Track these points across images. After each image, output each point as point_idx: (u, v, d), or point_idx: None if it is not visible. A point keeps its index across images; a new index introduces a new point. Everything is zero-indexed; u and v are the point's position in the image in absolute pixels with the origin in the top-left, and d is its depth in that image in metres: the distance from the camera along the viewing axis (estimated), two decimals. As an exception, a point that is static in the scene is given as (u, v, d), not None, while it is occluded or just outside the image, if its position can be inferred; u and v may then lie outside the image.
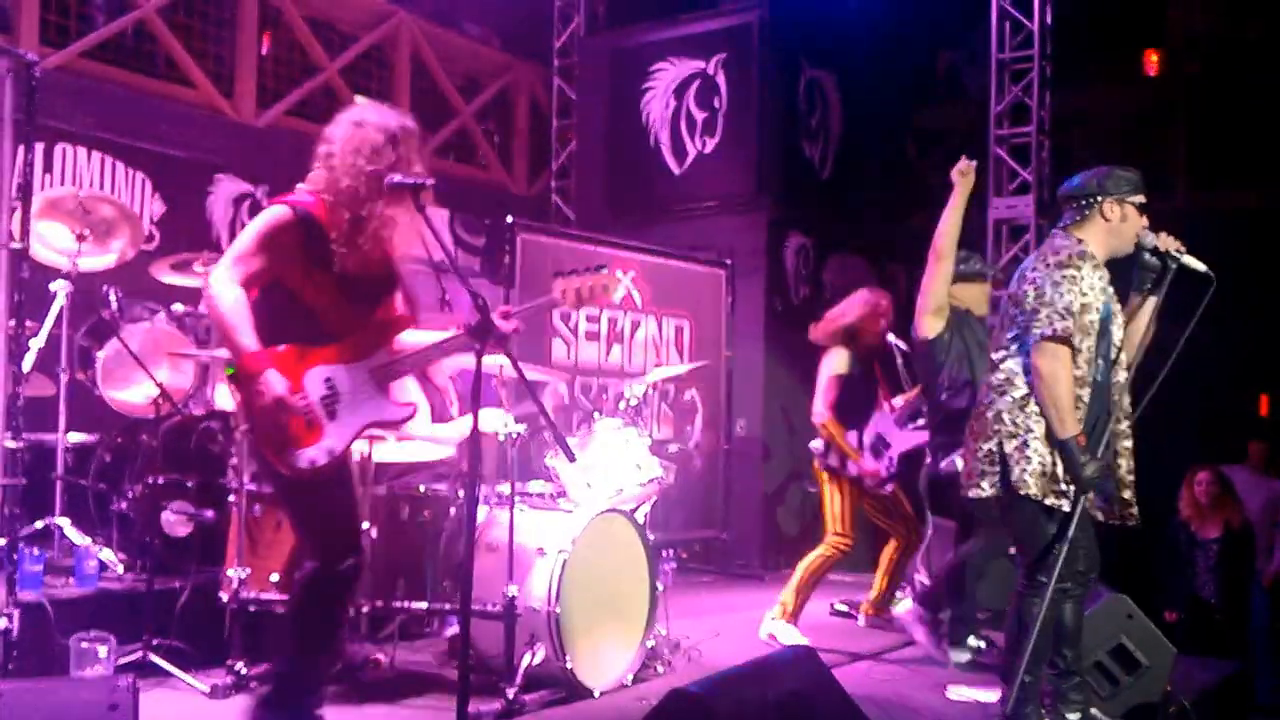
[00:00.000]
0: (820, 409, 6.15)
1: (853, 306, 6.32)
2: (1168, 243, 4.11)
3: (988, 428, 4.17)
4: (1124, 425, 4.18)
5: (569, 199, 10.39)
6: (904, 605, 5.90)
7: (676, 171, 9.81)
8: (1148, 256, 4.15)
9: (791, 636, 5.94)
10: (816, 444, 6.18)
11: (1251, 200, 9.45)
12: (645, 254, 8.64)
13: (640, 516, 5.41)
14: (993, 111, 8.62)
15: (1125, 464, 4.21)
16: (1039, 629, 4.08)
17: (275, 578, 4.70)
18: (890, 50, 10.60)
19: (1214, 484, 7.79)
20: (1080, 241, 4.13)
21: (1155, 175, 9.01)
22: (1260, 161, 9.44)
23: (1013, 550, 5.28)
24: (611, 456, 5.37)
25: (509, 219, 7.79)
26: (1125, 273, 4.20)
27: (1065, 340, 4.01)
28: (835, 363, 6.19)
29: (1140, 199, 4.16)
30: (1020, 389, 4.11)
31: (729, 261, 9.14)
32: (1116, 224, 4.14)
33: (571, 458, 3.99)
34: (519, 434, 5.04)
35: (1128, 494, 4.18)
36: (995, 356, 4.26)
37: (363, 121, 3.66)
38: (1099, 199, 4.15)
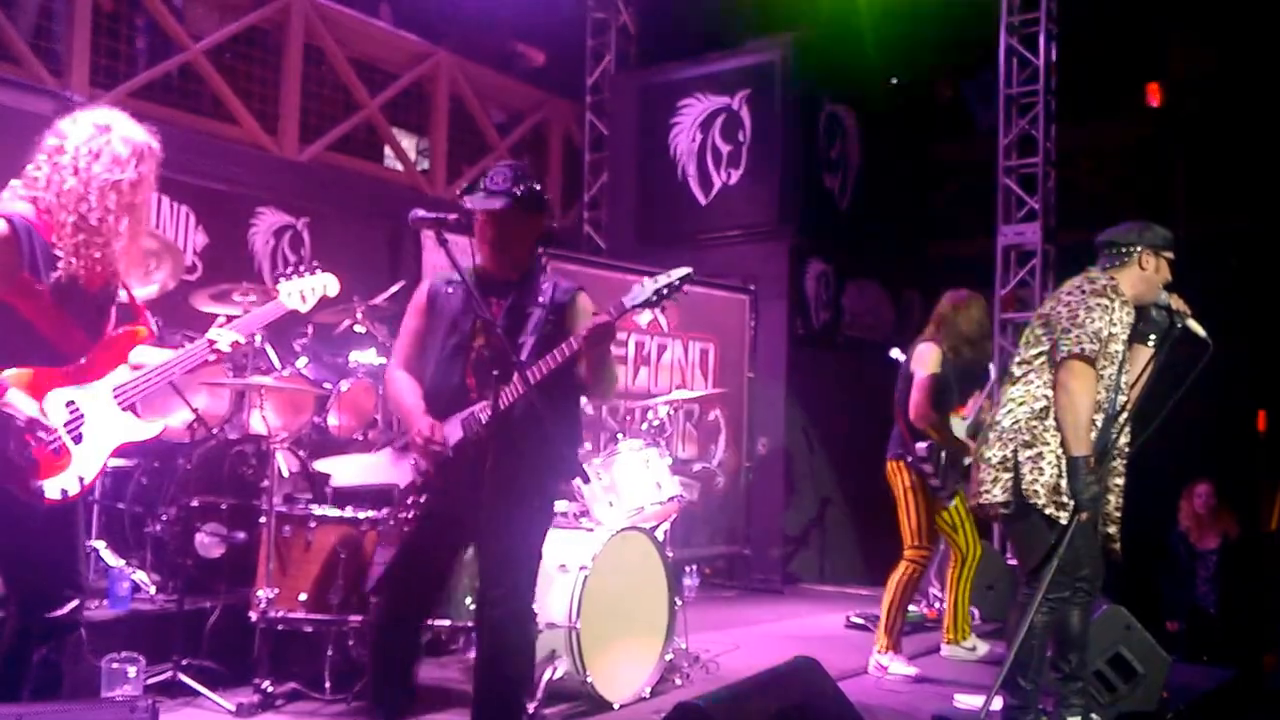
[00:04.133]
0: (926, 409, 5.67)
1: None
2: (1178, 303, 4.19)
3: (1004, 435, 4.17)
4: (1119, 463, 4.20)
5: (600, 229, 10.38)
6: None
7: (703, 202, 9.81)
8: (1155, 313, 4.23)
9: (901, 668, 5.63)
10: (920, 445, 5.72)
11: (1246, 224, 9.37)
12: (671, 281, 8.60)
13: (660, 534, 5.35)
14: (1001, 143, 8.53)
15: (1114, 500, 4.24)
16: (1039, 636, 4.11)
17: (303, 597, 4.67)
18: (906, 85, 10.57)
19: (1212, 496, 7.75)
20: (1113, 281, 4.18)
21: (1156, 204, 9.23)
22: (1257, 189, 9.33)
23: (1011, 561, 5.29)
24: (633, 476, 5.33)
25: (540, 249, 7.80)
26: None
27: (1091, 362, 4.04)
28: (930, 361, 5.74)
29: (1171, 255, 4.23)
30: (1041, 402, 4.12)
31: (752, 287, 9.16)
32: (1150, 274, 4.20)
33: (586, 479, 3.99)
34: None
35: (1113, 529, 4.21)
36: (1017, 371, 4.26)
37: (109, 127, 3.28)
38: (1139, 248, 4.21)
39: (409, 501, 3.66)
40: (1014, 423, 4.15)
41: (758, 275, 9.22)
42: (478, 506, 3.49)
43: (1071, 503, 4.01)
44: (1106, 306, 4.07)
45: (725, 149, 9.72)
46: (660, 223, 9.96)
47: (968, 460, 5.57)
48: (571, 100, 10.54)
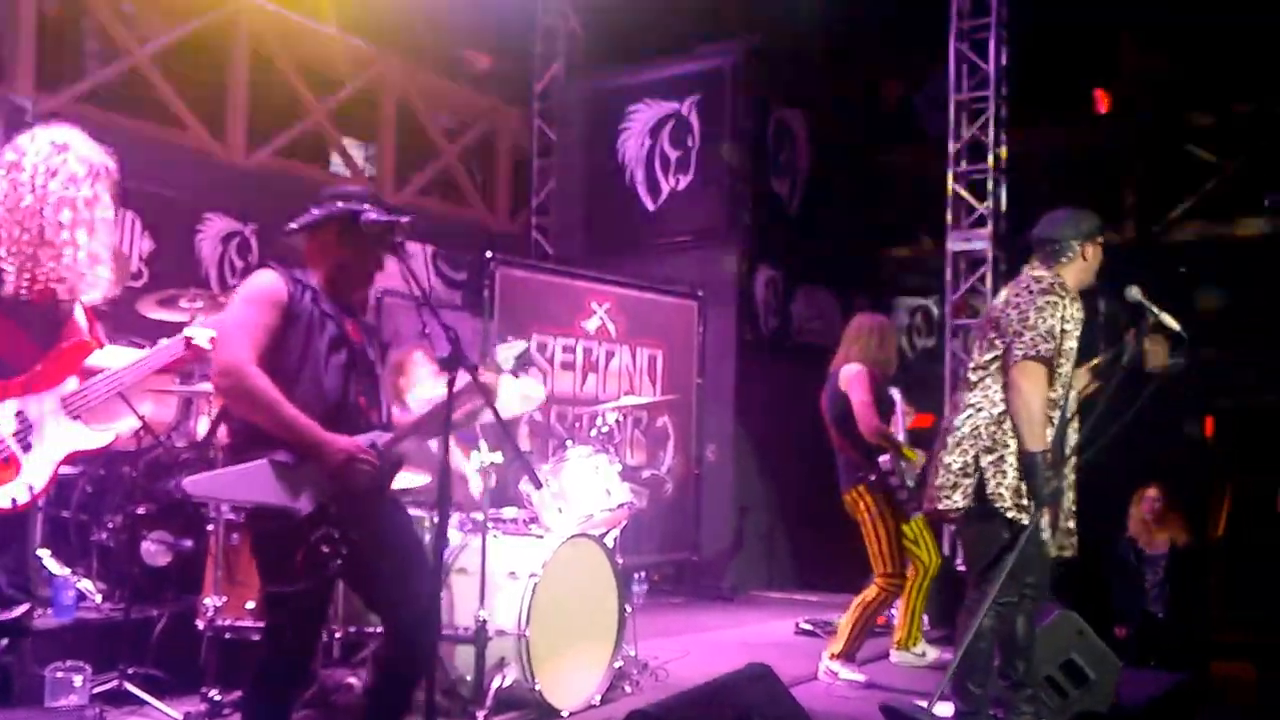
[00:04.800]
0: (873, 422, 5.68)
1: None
2: (1135, 294, 4.13)
3: (964, 441, 4.18)
4: (1072, 460, 4.21)
5: (548, 234, 10.34)
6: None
7: (651, 208, 9.79)
8: (1103, 306, 4.37)
9: (850, 674, 5.62)
10: (885, 458, 5.66)
11: (1196, 231, 9.54)
12: (620, 286, 8.62)
13: (610, 540, 5.33)
14: (951, 149, 8.55)
15: (1071, 496, 4.26)
16: (987, 641, 4.13)
17: (251, 605, 4.60)
18: (855, 91, 10.61)
19: (1160, 501, 7.80)
20: (1059, 277, 4.21)
21: (1107, 210, 9.15)
22: (1204, 195, 9.48)
23: (960, 567, 5.31)
24: (582, 483, 5.31)
25: (489, 254, 7.74)
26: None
27: (1046, 361, 4.05)
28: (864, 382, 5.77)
29: (1102, 238, 4.30)
30: (999, 406, 4.13)
31: (701, 293, 9.14)
32: (1091, 263, 4.26)
33: (538, 485, 3.96)
34: (494, 462, 4.97)
35: (1071, 524, 4.24)
36: (973, 376, 4.26)
37: (67, 146, 3.37)
38: (1078, 242, 4.24)
39: (323, 532, 3.18)
40: (974, 429, 4.17)
41: (706, 281, 9.21)
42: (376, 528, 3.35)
43: (1030, 503, 4.02)
44: (1056, 304, 4.09)
45: (674, 155, 9.72)
46: (609, 228, 9.95)
47: (917, 466, 5.66)
48: (520, 106, 10.48)
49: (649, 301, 8.74)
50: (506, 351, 3.81)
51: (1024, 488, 4.04)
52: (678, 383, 8.80)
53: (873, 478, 5.67)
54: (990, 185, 8.49)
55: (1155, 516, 7.74)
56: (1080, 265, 4.25)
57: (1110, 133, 10.33)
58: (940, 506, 4.25)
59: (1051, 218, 4.36)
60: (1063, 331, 4.09)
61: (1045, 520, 4.04)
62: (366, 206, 3.35)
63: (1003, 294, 4.34)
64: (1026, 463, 4.02)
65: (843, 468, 5.82)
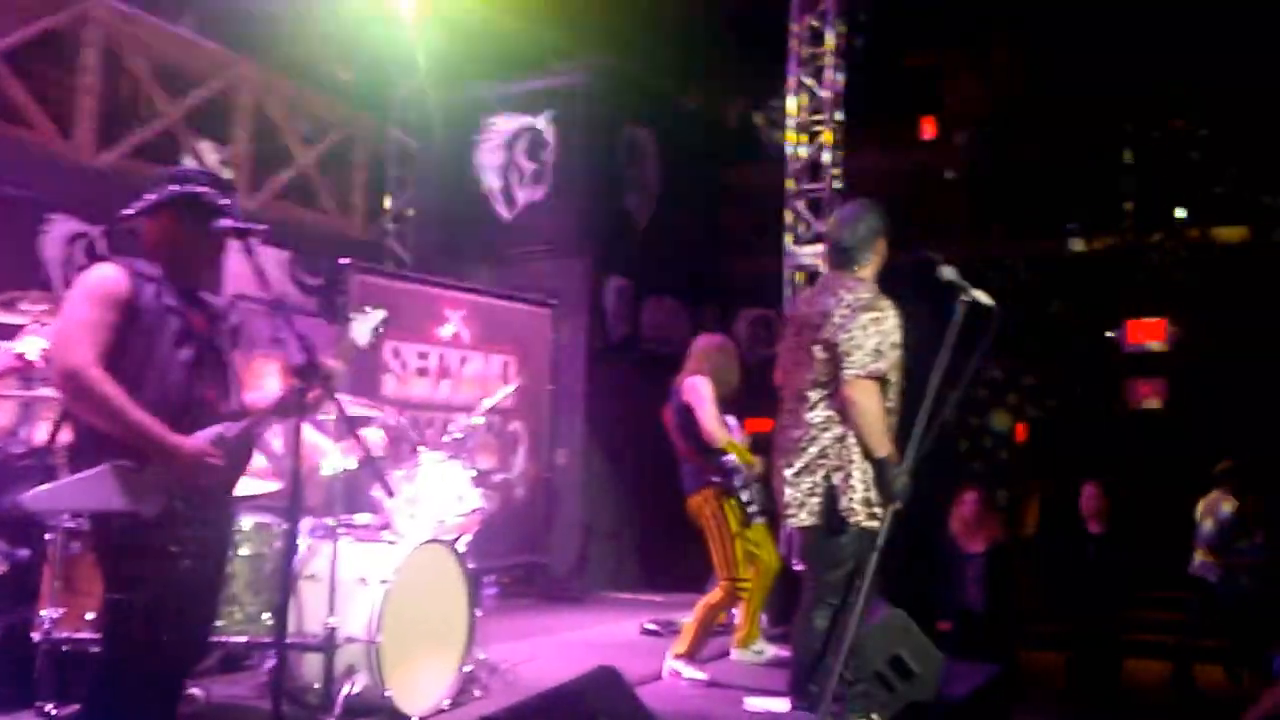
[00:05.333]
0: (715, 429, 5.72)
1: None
2: (949, 274, 4.12)
3: (811, 462, 4.19)
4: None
5: (404, 242, 10.14)
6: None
7: (506, 218, 9.74)
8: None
9: (693, 673, 5.62)
10: (728, 458, 5.69)
11: (1021, 250, 9.88)
12: (475, 294, 8.50)
13: (462, 546, 5.24)
14: (790, 169, 8.64)
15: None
16: (821, 641, 4.19)
17: (90, 616, 4.36)
18: (703, 111, 10.72)
19: (978, 503, 8.02)
20: (864, 281, 4.24)
21: (935, 228, 9.55)
22: (1027, 217, 9.87)
23: (797, 567, 5.42)
24: (435, 489, 5.21)
25: (345, 260, 7.54)
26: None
27: (877, 377, 4.08)
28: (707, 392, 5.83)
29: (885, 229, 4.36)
30: (839, 427, 4.15)
31: (554, 302, 9.08)
32: (884, 256, 4.34)
33: (390, 493, 3.85)
34: (346, 469, 4.84)
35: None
36: (813, 394, 4.24)
37: None
38: (873, 241, 4.29)
39: (171, 532, 3.06)
40: (820, 449, 4.19)
41: (559, 290, 9.17)
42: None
43: (881, 509, 4.09)
44: (879, 318, 4.12)
45: (529, 167, 9.70)
46: (465, 238, 9.85)
47: (757, 471, 5.72)
48: (377, 115, 10.24)
49: (503, 309, 8.65)
50: (363, 324, 3.66)
51: (873, 497, 4.10)
52: (530, 389, 8.70)
53: (718, 479, 5.70)
54: (827, 203, 8.54)
55: (974, 517, 7.93)
56: (875, 261, 4.32)
57: (934, 157, 10.64)
58: (790, 523, 4.30)
59: (843, 221, 4.37)
60: (890, 345, 4.12)
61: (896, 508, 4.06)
62: (205, 189, 3.20)
63: (817, 302, 4.30)
64: (877, 468, 4.08)
65: (687, 474, 5.87)
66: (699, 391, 5.78)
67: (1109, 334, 9.94)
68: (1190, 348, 9.43)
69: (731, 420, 6.12)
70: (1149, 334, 9.74)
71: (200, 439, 3.09)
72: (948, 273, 4.03)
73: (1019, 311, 9.05)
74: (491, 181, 9.80)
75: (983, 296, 4.04)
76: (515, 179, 9.72)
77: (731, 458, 5.71)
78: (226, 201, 3.21)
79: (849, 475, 4.12)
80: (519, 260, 9.40)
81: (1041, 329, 9.41)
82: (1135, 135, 9.97)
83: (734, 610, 6.17)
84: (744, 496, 5.68)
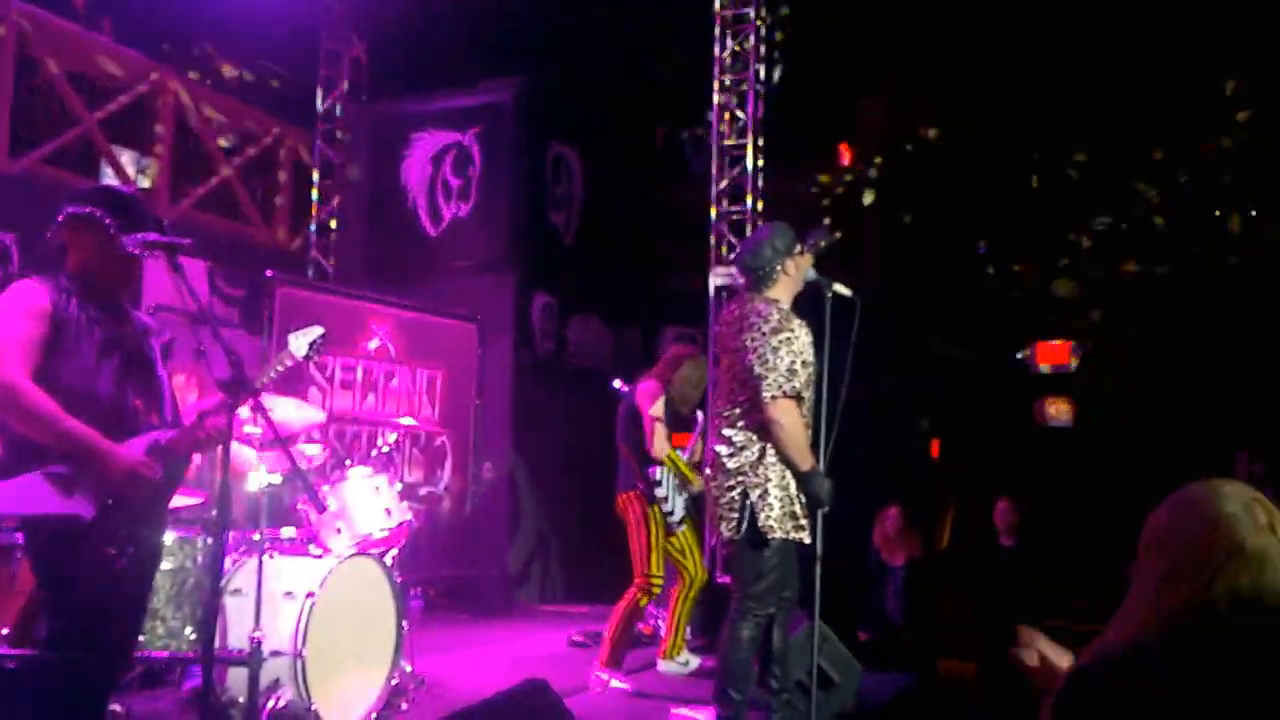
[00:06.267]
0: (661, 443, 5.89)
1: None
2: (807, 268, 4.37)
3: (730, 478, 4.24)
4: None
5: (329, 255, 10.01)
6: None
7: (433, 234, 9.67)
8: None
9: (619, 683, 5.73)
10: (654, 470, 5.88)
11: (929, 281, 10.10)
12: (401, 309, 8.43)
13: (389, 559, 5.21)
14: (714, 191, 8.72)
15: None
16: (746, 650, 4.25)
17: (4, 631, 4.17)
18: (630, 131, 10.78)
19: (900, 518, 8.17)
20: (777, 302, 4.28)
21: (848, 257, 9.72)
22: (933, 253, 10.11)
23: (722, 579, 5.49)
24: (361, 502, 5.18)
25: (269, 273, 7.43)
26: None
27: (794, 396, 4.15)
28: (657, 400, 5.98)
29: (799, 245, 4.40)
30: (757, 445, 4.21)
31: (480, 317, 9.04)
32: (797, 275, 4.36)
33: (321, 509, 3.81)
34: (271, 482, 4.80)
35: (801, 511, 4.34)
36: (729, 414, 4.31)
37: None
38: (779, 264, 4.33)
39: (107, 533, 3.08)
40: (738, 467, 4.24)
41: (485, 306, 9.13)
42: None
43: (807, 519, 4.18)
44: (790, 339, 4.17)
45: (455, 183, 9.64)
46: (390, 252, 9.76)
47: (694, 490, 5.92)
48: (303, 126, 10.13)
49: (429, 324, 8.58)
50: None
51: (797, 510, 4.17)
52: (457, 403, 8.67)
53: (640, 486, 5.85)
54: (748, 225, 8.63)
55: (896, 532, 8.11)
56: (786, 281, 4.35)
57: (851, 183, 10.83)
58: (720, 536, 4.39)
59: (749, 246, 4.50)
60: (802, 363, 4.18)
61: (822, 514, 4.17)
62: (115, 208, 3.20)
63: (732, 324, 4.39)
64: (802, 480, 4.17)
65: (621, 472, 6.02)
66: (648, 397, 5.91)
67: (1019, 355, 10.10)
68: (1096, 368, 9.72)
69: (700, 417, 6.31)
70: (1057, 356, 10.02)
71: (134, 447, 3.08)
72: (808, 274, 4.32)
73: (940, 333, 9.44)
74: (417, 196, 9.73)
75: (842, 288, 4.26)
76: (441, 194, 9.65)
77: (656, 471, 5.82)
78: (139, 217, 3.21)
79: (766, 493, 4.17)
80: (445, 275, 9.32)
81: (954, 351, 9.63)
82: (1042, 163, 10.22)
83: (660, 621, 6.18)
84: (665, 508, 5.84)
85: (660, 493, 5.84)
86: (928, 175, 10.34)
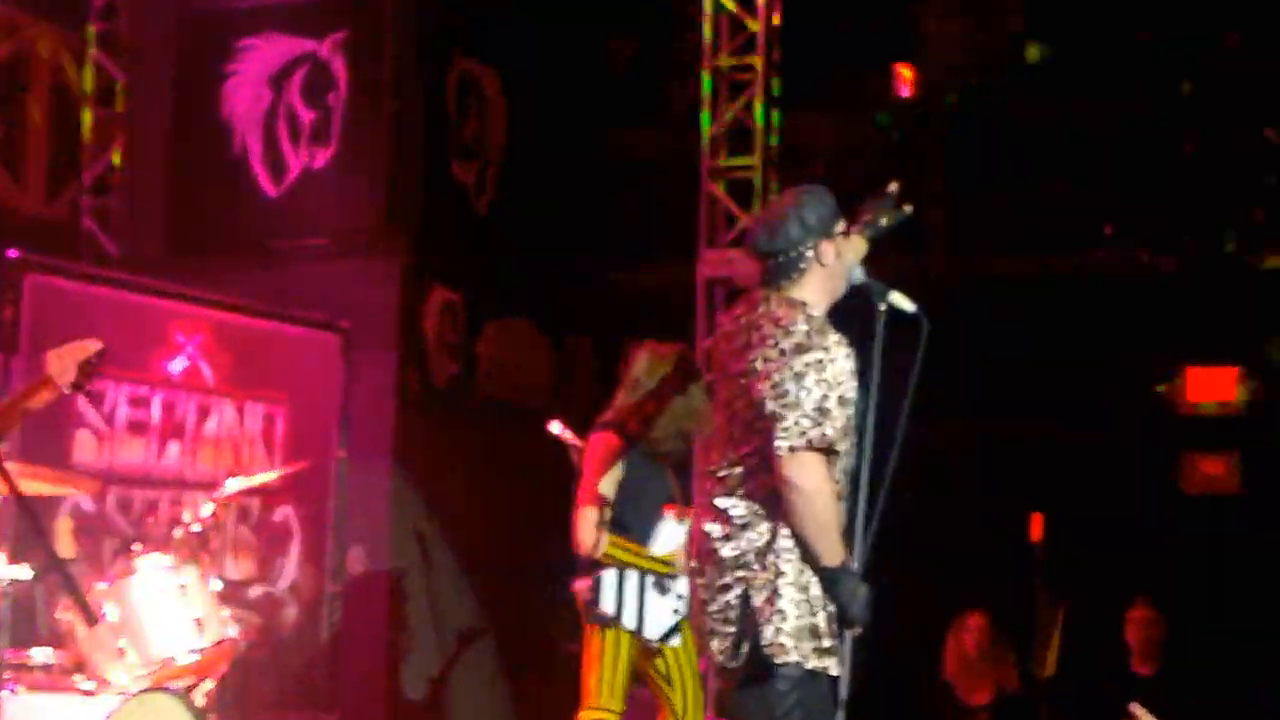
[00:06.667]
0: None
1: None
2: (859, 270, 4.40)
3: (725, 573, 4.23)
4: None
5: (109, 226, 9.91)
6: None
7: (272, 193, 9.72)
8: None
9: None
10: (579, 586, 6.08)
11: (1022, 266, 10.11)
12: (221, 310, 8.37)
13: (200, 696, 5.32)
14: (706, 135, 8.74)
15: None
16: None
17: None
18: (575, 44, 10.77)
19: (987, 633, 8.15)
20: (805, 305, 4.29)
21: (908, 231, 9.76)
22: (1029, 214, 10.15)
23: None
24: (158, 609, 5.26)
25: (11, 253, 7.30)
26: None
27: (823, 450, 4.09)
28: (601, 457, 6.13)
29: (843, 222, 4.41)
30: (765, 525, 4.19)
31: (345, 324, 8.96)
32: (835, 264, 4.35)
33: (92, 620, 4.05)
34: (15, 579, 4.80)
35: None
36: (725, 474, 4.32)
37: None
38: (808, 244, 4.33)
39: None
40: (737, 556, 4.21)
41: (354, 306, 9.05)
42: None
43: (832, 644, 4.14)
44: (820, 364, 4.14)
45: (308, 117, 9.70)
46: (206, 221, 9.79)
47: (679, 589, 5.99)
48: (68, 29, 10.06)
49: (266, 333, 8.63)
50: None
51: (820, 625, 4.14)
52: (308, 454, 8.51)
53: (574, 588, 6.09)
54: (759, 185, 8.64)
55: (981, 653, 8.09)
56: (820, 274, 4.34)
57: (913, 123, 10.90)
58: (712, 663, 4.43)
59: (768, 218, 4.53)
60: (839, 401, 4.15)
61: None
62: None
63: (737, 338, 4.40)
64: (829, 581, 4.11)
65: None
66: (594, 442, 6.05)
67: (1159, 387, 10.32)
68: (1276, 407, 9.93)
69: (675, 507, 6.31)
70: (1217, 388, 10.19)
71: None
72: (855, 274, 4.36)
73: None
74: (248, 136, 9.71)
75: (902, 299, 4.29)
76: (286, 134, 9.65)
77: (609, 576, 5.95)
78: None
79: (776, 593, 4.14)
80: (291, 258, 9.35)
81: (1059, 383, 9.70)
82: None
83: None
84: (626, 624, 5.97)
85: (605, 608, 5.96)
86: (1025, 110, 10.35)
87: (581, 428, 6.32)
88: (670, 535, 6.09)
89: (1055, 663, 8.36)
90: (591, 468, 6.02)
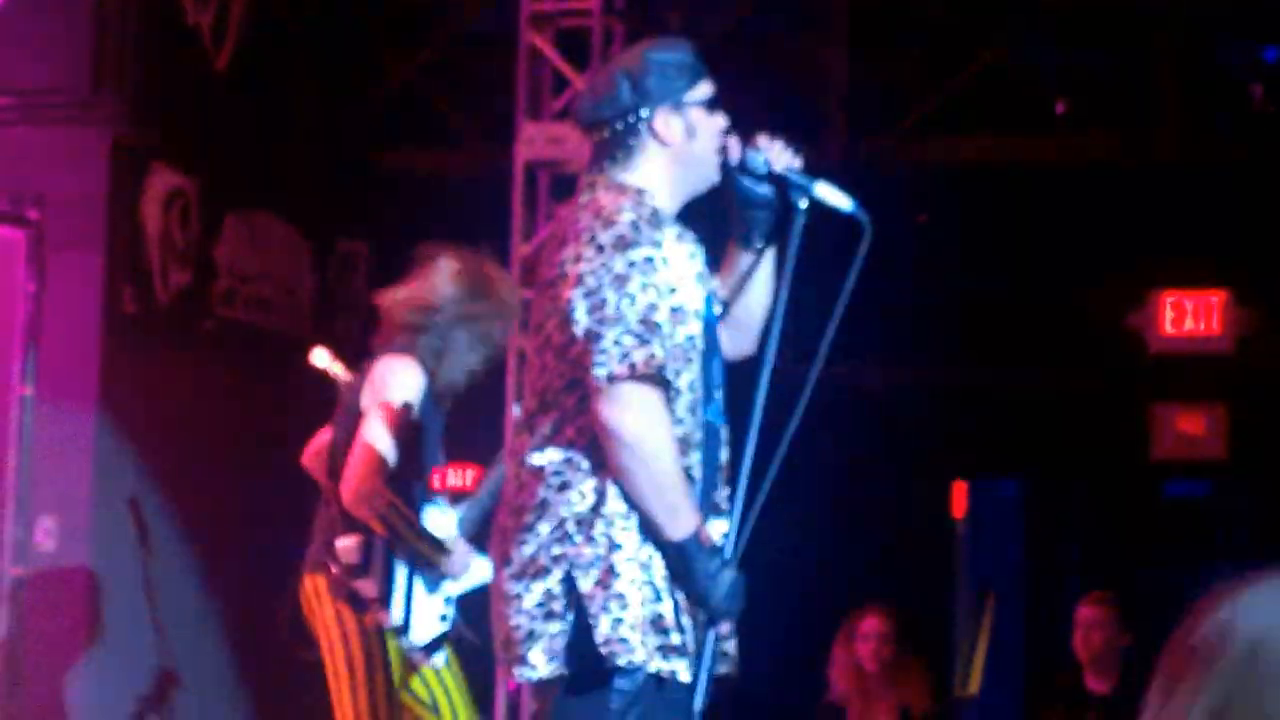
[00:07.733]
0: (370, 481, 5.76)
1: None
2: (784, 158, 4.06)
3: (540, 554, 3.94)
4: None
5: None
6: None
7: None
8: (751, 185, 4.10)
9: None
10: (346, 543, 5.67)
11: (942, 153, 9.55)
12: None
13: None
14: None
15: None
16: None
17: None
18: None
19: (888, 638, 7.87)
20: (640, 193, 3.99)
21: (808, 108, 9.16)
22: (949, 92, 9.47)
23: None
24: None
25: None
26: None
27: (655, 377, 3.84)
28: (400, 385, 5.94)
29: (708, 89, 4.11)
30: (590, 482, 3.91)
31: (34, 216, 8.24)
32: (683, 144, 4.06)
33: None
34: None
35: (731, 645, 4.22)
36: (537, 420, 4.11)
37: None
38: (643, 113, 4.06)
39: None
40: (554, 527, 3.91)
41: (46, 191, 8.26)
42: None
43: (685, 637, 3.89)
44: (648, 262, 3.87)
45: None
46: None
47: (448, 590, 5.88)
48: None
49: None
50: None
51: (666, 615, 3.87)
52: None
53: (333, 570, 5.77)
54: (597, 38, 8.19)
55: (881, 665, 7.79)
56: (662, 155, 4.04)
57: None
58: (514, 674, 4.13)
59: (600, 77, 4.52)
60: (672, 311, 3.90)
61: (726, 642, 3.98)
62: None
63: (556, 236, 4.30)
64: (678, 558, 3.86)
65: (315, 538, 5.98)
66: (384, 383, 5.72)
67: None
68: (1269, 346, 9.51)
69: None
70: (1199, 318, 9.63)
71: None
72: (758, 158, 4.07)
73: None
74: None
75: (834, 196, 4.05)
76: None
77: (350, 544, 5.62)
78: None
79: (610, 571, 3.87)
80: None
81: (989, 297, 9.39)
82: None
83: None
84: (388, 620, 5.72)
85: (365, 588, 5.68)
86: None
87: (354, 360, 6.13)
88: (438, 520, 5.87)
89: (980, 678, 8.09)
90: (385, 398, 5.71)
